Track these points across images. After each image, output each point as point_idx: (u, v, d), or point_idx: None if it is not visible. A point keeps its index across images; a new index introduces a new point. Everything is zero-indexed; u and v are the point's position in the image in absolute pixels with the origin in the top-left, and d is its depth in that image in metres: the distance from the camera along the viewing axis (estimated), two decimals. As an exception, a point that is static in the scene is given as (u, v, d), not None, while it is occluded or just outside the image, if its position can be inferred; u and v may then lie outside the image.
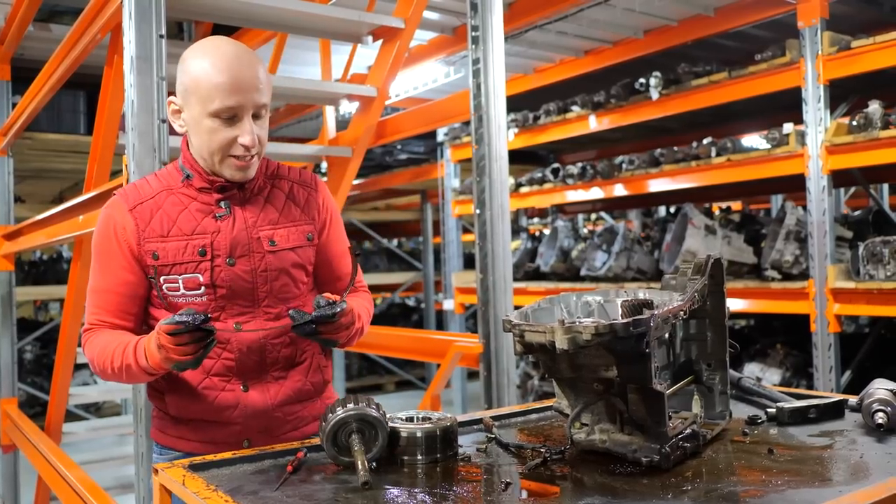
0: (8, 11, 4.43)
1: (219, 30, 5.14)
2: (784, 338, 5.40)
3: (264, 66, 1.71)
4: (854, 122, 4.07)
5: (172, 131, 2.42)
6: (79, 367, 6.67)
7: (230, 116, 1.64)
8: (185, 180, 1.73)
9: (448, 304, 7.12)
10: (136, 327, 1.75)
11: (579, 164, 5.90)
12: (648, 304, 1.42)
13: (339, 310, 1.58)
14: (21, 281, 7.68)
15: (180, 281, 1.69)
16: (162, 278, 1.70)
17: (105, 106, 3.04)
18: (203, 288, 1.69)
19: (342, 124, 4.45)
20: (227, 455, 1.54)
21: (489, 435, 1.68)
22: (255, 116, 1.68)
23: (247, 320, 1.73)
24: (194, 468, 1.47)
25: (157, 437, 1.83)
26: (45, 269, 8.99)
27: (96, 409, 8.06)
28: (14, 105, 4.84)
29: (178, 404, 1.75)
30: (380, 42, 3.40)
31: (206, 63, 1.63)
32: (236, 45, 1.69)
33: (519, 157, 7.01)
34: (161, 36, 2.36)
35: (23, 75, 4.86)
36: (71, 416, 6.11)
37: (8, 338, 4.94)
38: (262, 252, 1.73)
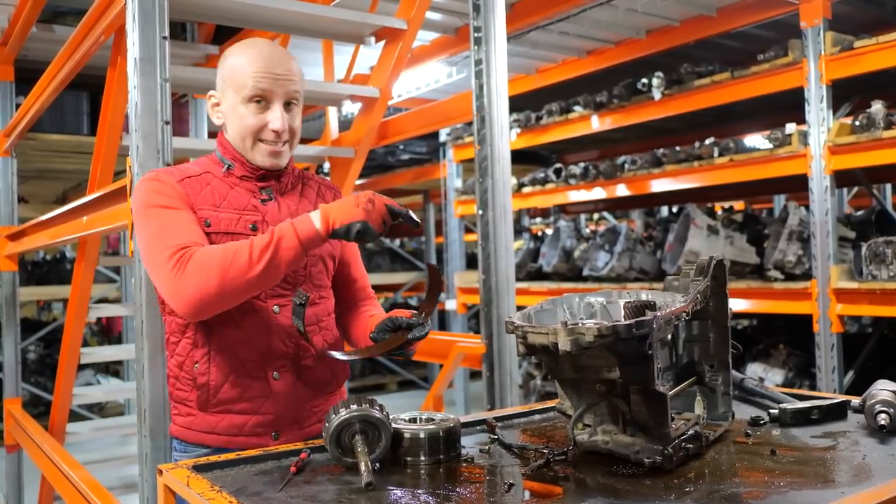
0: (11, 12, 4.44)
1: (221, 31, 5.16)
2: (787, 338, 5.39)
3: (297, 63, 1.80)
4: (857, 123, 4.07)
5: (176, 132, 2.43)
6: (82, 366, 6.69)
7: (262, 102, 1.73)
8: (227, 170, 1.80)
9: (450, 305, 7.12)
10: None
11: (582, 165, 5.90)
12: (651, 306, 1.42)
13: (427, 331, 1.69)
14: (24, 281, 7.69)
15: None
16: None
17: (108, 107, 3.04)
18: None
19: (345, 125, 4.45)
20: (231, 456, 1.55)
21: (492, 436, 1.68)
22: (287, 106, 1.76)
23: (284, 303, 1.77)
24: (198, 469, 1.47)
25: (182, 434, 1.80)
26: (49, 269, 9.01)
27: (99, 409, 8.07)
28: (17, 106, 4.85)
29: (208, 394, 1.74)
30: (382, 43, 3.41)
31: (242, 56, 1.76)
32: (271, 43, 1.82)
33: (521, 158, 7.01)
34: (164, 37, 2.36)
35: (26, 76, 4.88)
36: (74, 416, 6.12)
37: (11, 338, 4.95)
38: None
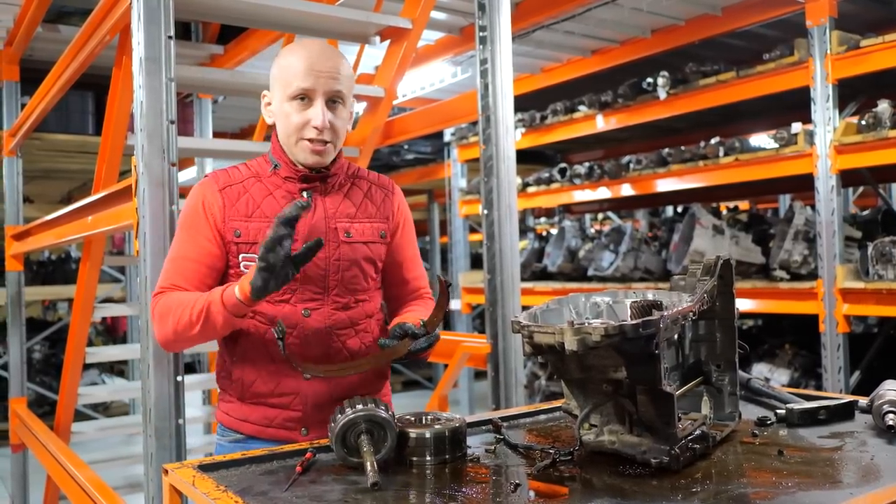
0: (17, 12, 4.45)
1: (227, 31, 5.16)
2: (792, 338, 5.38)
3: (347, 63, 1.83)
4: (863, 122, 4.05)
5: (180, 132, 2.43)
6: (87, 366, 6.70)
7: (305, 99, 1.77)
8: (273, 170, 1.84)
9: (455, 304, 7.11)
10: None
11: (586, 164, 5.89)
12: (658, 306, 1.41)
13: (433, 342, 1.69)
14: (29, 281, 7.71)
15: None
16: (241, 256, 1.79)
17: (114, 107, 3.04)
18: None
19: (349, 124, 4.44)
20: (236, 456, 1.55)
21: (498, 436, 1.68)
22: (332, 104, 1.78)
23: (316, 307, 1.80)
24: (204, 469, 1.47)
25: (222, 418, 1.90)
26: (54, 268, 9.03)
27: (104, 409, 8.09)
28: (23, 106, 4.85)
29: (243, 386, 1.82)
30: (387, 42, 3.40)
31: (291, 56, 1.80)
32: (322, 43, 1.86)
33: (526, 157, 7.00)
34: (170, 37, 2.36)
35: (31, 76, 4.88)
36: (79, 416, 6.12)
37: (17, 337, 4.95)
38: (338, 242, 1.82)
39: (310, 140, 1.77)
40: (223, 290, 1.67)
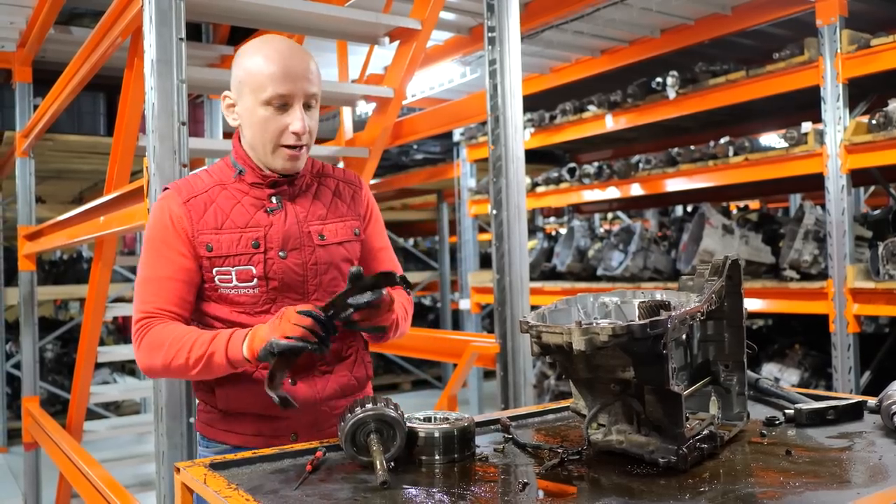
0: (29, 14, 4.49)
1: (236, 32, 5.19)
2: (802, 338, 5.36)
3: (314, 61, 1.76)
4: (873, 121, 4.03)
5: (191, 133, 2.45)
6: (99, 365, 6.74)
7: (282, 104, 1.69)
8: (238, 176, 1.78)
9: (464, 304, 7.12)
10: (191, 317, 1.77)
11: (596, 164, 5.89)
12: (666, 306, 1.42)
13: (377, 297, 1.59)
14: (42, 280, 7.75)
15: (233, 273, 1.73)
16: (215, 270, 1.73)
17: (125, 108, 3.07)
18: (256, 280, 1.73)
19: (359, 125, 4.47)
20: (248, 454, 1.56)
21: (506, 435, 1.69)
22: (306, 106, 1.73)
23: None
24: (215, 467, 1.48)
25: (203, 430, 1.85)
26: (66, 268, 9.07)
27: (116, 408, 8.13)
28: (35, 107, 4.90)
29: (227, 398, 1.77)
30: (396, 43, 3.42)
31: (259, 56, 1.70)
32: (287, 41, 1.76)
33: (535, 157, 7.00)
34: (181, 39, 2.38)
35: (44, 77, 4.92)
36: (91, 415, 6.16)
37: (30, 337, 4.99)
38: (313, 246, 1.78)
39: (289, 147, 1.71)
40: (227, 343, 1.62)
